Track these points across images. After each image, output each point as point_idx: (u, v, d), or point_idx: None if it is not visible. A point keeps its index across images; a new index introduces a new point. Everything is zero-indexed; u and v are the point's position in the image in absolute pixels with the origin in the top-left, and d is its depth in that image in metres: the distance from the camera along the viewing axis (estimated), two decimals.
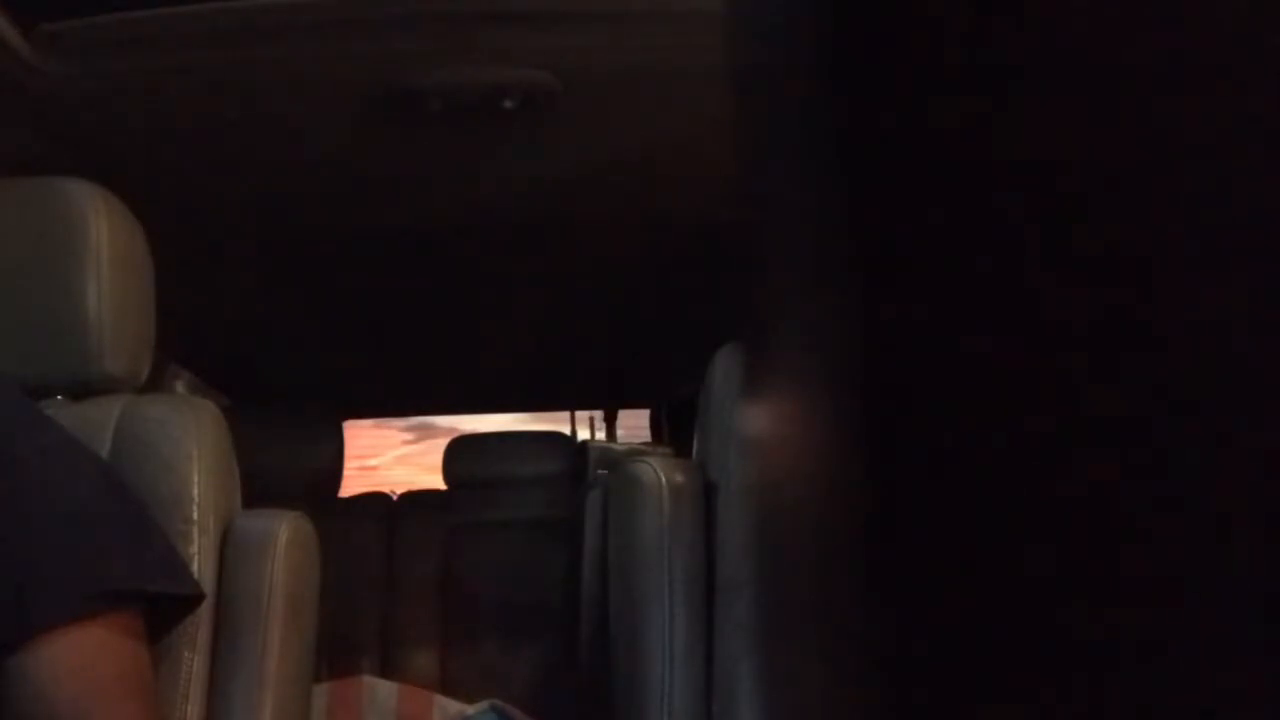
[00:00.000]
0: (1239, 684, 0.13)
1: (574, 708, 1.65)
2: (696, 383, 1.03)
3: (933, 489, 0.13)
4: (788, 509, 0.16)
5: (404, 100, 1.05)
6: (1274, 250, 0.13)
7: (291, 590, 0.83)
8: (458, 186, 1.30)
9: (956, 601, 0.13)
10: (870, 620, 0.14)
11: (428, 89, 1.03)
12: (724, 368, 1.00)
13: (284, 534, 0.84)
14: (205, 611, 0.79)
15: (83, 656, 0.66)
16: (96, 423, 0.82)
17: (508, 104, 1.06)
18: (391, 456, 4.50)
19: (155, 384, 1.63)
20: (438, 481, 2.30)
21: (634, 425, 2.68)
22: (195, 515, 0.80)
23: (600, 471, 1.57)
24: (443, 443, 2.33)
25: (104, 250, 0.84)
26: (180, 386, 1.94)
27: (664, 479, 1.02)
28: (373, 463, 4.23)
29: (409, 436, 4.43)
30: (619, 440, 2.55)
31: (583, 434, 2.57)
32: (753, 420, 0.17)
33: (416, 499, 2.33)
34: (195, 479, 0.81)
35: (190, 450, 0.82)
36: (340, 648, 2.02)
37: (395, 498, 2.33)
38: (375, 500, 2.32)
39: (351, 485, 2.40)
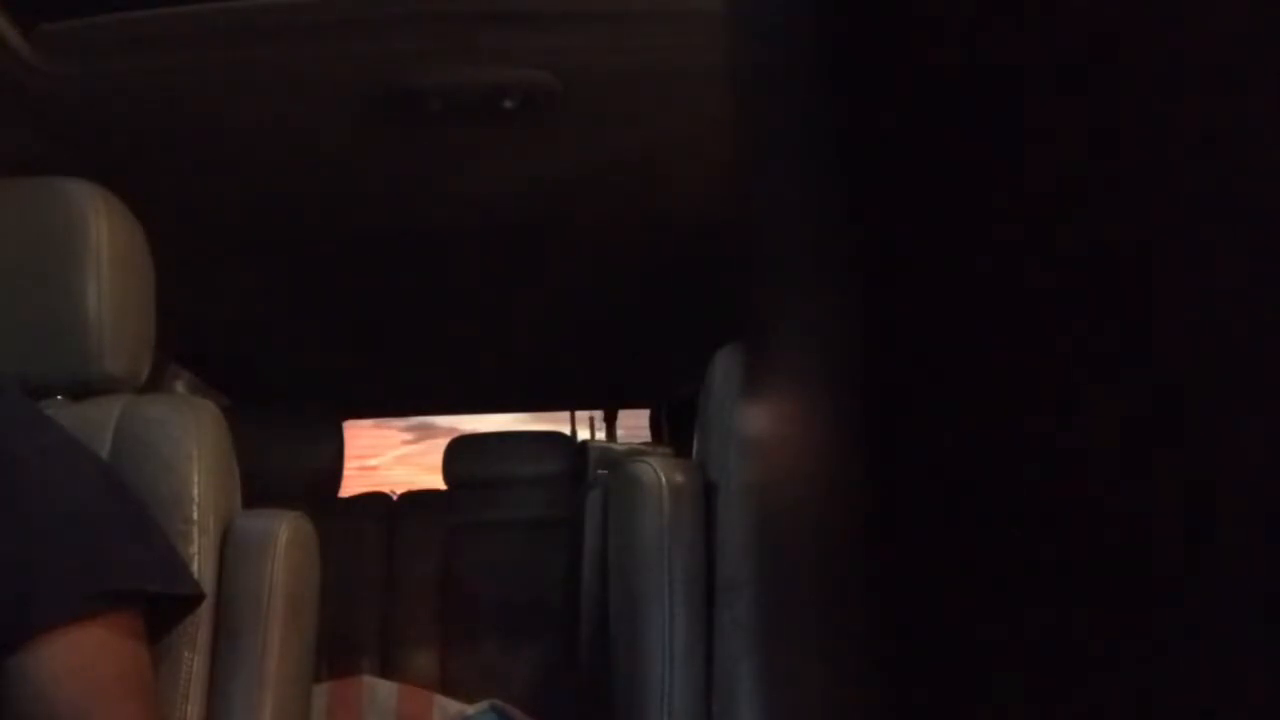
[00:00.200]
0: (1239, 684, 0.13)
1: (574, 708, 1.65)
2: (696, 383, 1.03)
3: (933, 489, 0.13)
4: (788, 509, 0.16)
5: (404, 100, 1.05)
6: (1274, 250, 0.13)
7: (291, 590, 0.83)
8: (458, 186, 1.30)
9: (956, 601, 0.13)
10: (870, 620, 0.14)
11: (428, 89, 1.03)
12: (724, 368, 0.99)
13: (284, 534, 0.84)
14: (205, 611, 0.79)
15: (83, 656, 0.66)
16: (96, 423, 0.82)
17: (508, 104, 1.06)
18: (391, 456, 4.51)
19: (155, 384, 1.63)
20: (438, 481, 2.30)
21: (634, 425, 2.68)
22: (195, 515, 0.80)
23: (600, 471, 1.57)
24: (443, 443, 2.33)
25: (104, 250, 0.84)
26: (180, 386, 1.94)
27: (664, 479, 1.02)
28: (373, 463, 4.23)
29: (409, 436, 4.44)
30: (619, 440, 2.55)
31: (583, 434, 2.57)
32: (753, 420, 0.17)
33: (416, 499, 2.33)
34: (195, 479, 0.81)
35: (190, 450, 0.82)
36: (340, 648, 2.02)
37: (395, 498, 2.33)
38: (375, 500, 2.32)
39: (351, 485, 2.40)
